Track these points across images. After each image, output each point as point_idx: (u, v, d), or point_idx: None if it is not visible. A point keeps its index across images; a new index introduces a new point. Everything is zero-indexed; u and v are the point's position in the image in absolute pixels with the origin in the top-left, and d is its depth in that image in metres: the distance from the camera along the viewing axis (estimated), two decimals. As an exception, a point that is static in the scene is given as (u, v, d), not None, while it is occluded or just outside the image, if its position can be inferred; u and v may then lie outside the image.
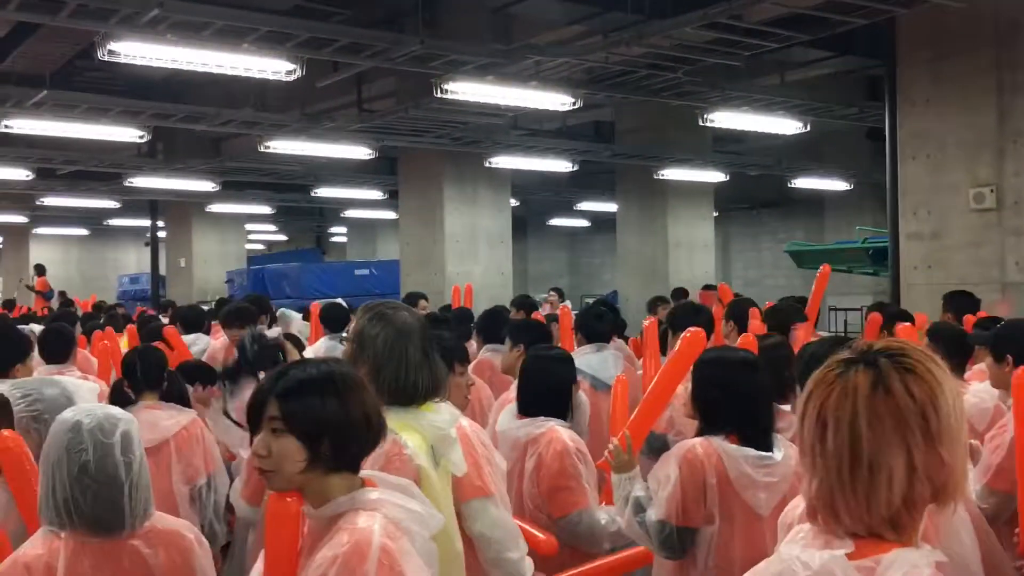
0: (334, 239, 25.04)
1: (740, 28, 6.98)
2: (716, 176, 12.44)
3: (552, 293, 10.72)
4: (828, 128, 11.67)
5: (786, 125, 9.76)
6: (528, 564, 2.44)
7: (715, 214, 13.46)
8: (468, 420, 2.80)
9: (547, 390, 3.25)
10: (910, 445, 1.21)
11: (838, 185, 14.19)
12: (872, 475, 1.21)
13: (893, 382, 1.23)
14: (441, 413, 2.33)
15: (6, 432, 2.25)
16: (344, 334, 5.98)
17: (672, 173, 11.76)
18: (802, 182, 14.07)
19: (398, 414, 2.20)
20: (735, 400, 2.68)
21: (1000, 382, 3.21)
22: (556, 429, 3.14)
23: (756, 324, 4.42)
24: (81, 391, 2.41)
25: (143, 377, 3.51)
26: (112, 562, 1.98)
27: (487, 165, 11.51)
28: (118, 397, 3.28)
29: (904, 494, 1.21)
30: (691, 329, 3.14)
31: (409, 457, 2.09)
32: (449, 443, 2.30)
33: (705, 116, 9.05)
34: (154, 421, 3.35)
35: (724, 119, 9.20)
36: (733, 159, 12.97)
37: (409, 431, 2.19)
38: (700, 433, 2.72)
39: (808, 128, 9.81)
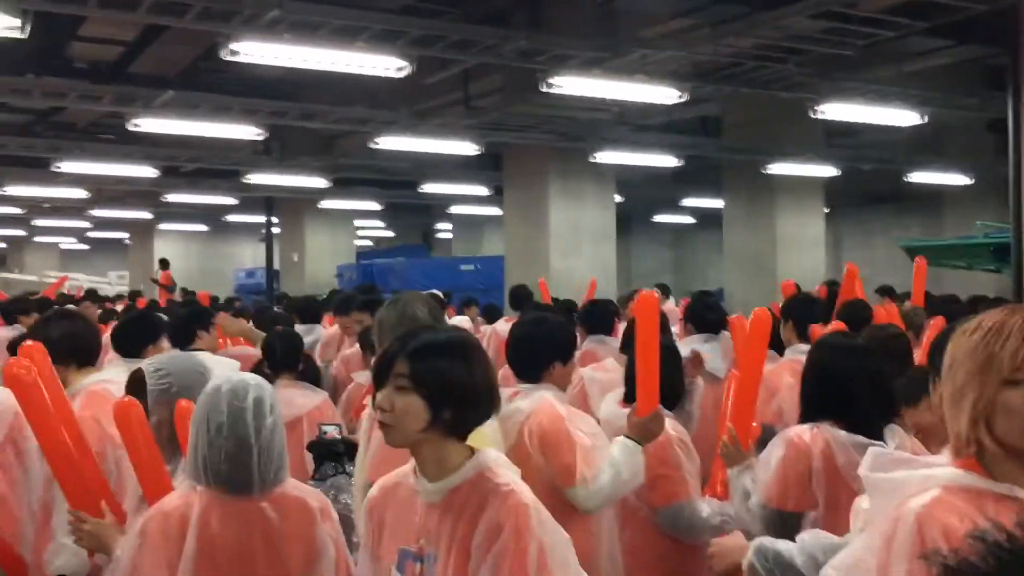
0: (440, 235, 25.44)
1: (854, 16, 6.82)
2: (827, 171, 12.12)
3: (656, 290, 10.65)
4: (947, 120, 11.23)
5: (902, 117, 9.44)
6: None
7: (826, 210, 13.11)
8: (566, 406, 2.90)
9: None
10: None
11: (957, 179, 13.61)
12: None
13: None
14: None
15: (126, 398, 2.42)
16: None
17: (780, 167, 11.52)
18: (919, 176, 13.56)
19: None
20: (836, 386, 2.65)
21: None
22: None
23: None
24: (220, 366, 2.56)
25: (282, 358, 3.82)
26: (238, 520, 2.11)
27: (592, 160, 11.52)
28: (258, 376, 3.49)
29: None
30: (754, 312, 3.15)
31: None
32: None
33: (816, 108, 8.84)
34: (290, 399, 3.63)
35: (836, 111, 8.96)
36: (845, 153, 12.62)
37: None
38: (802, 420, 2.70)
39: (926, 120, 9.46)
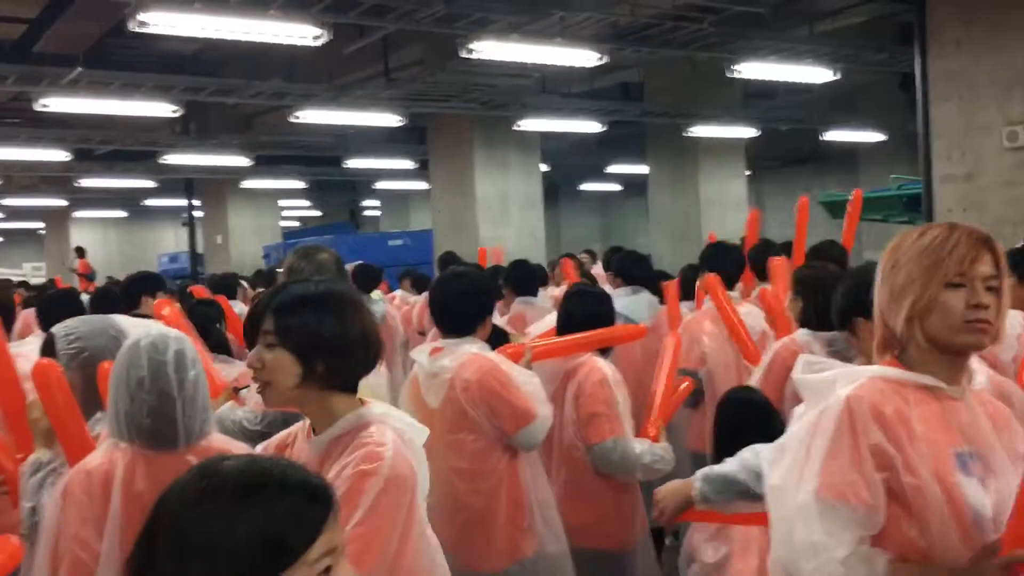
0: (367, 212, 25.20)
1: (765, -26, 6.92)
2: (747, 132, 12.34)
3: (585, 255, 10.75)
4: (860, 79, 11.51)
5: (816, 74, 9.64)
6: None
7: (748, 172, 13.35)
8: (495, 354, 2.94)
9: (587, 325, 3.31)
10: None
11: (872, 137, 14.00)
12: None
13: None
14: None
15: (44, 360, 2.37)
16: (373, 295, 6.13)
17: (702, 130, 11.69)
18: (835, 135, 13.90)
19: None
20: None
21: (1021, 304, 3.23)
22: (595, 359, 3.22)
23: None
24: (136, 327, 2.50)
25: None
26: (164, 473, 2.06)
27: (516, 129, 11.52)
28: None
29: None
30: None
31: None
32: None
33: (733, 68, 8.97)
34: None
35: (752, 70, 9.11)
36: (764, 113, 12.85)
37: None
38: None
39: (839, 77, 9.68)
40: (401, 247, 15.40)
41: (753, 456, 2.14)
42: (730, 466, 2.19)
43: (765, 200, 19.78)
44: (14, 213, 21.31)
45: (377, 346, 1.83)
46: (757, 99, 13.35)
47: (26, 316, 5.36)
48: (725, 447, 2.36)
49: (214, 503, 0.99)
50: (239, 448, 2.23)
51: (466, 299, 3.02)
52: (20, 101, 11.38)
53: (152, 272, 5.64)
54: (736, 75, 9.11)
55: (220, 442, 2.20)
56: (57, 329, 2.56)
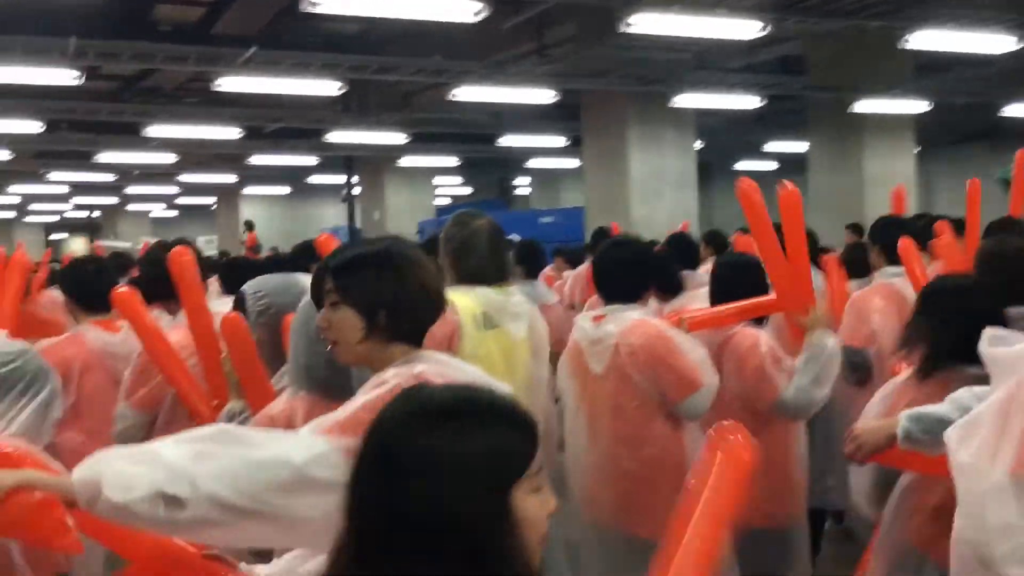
0: (518, 191, 25.43)
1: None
2: (917, 106, 11.69)
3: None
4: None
5: (997, 43, 9.01)
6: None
7: (916, 149, 12.67)
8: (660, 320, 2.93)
9: (740, 295, 3.25)
10: None
11: (1057, 112, 13.00)
12: None
13: None
14: (510, 294, 2.81)
15: (231, 314, 2.51)
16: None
17: (868, 105, 11.15)
18: (1015, 110, 12.98)
19: (462, 289, 2.69)
20: None
21: None
22: (746, 328, 3.20)
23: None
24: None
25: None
26: None
27: (671, 106, 11.33)
28: None
29: None
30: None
31: (448, 313, 2.24)
32: (509, 314, 2.75)
33: (904, 38, 8.50)
34: None
35: (926, 40, 8.60)
36: (937, 85, 12.13)
37: (460, 297, 2.65)
38: None
39: (1022, 45, 9.02)
40: (552, 224, 15.47)
41: (969, 396, 1.99)
42: (942, 407, 2.05)
43: (935, 179, 18.71)
44: (189, 189, 22.69)
45: (440, 299, 1.90)
46: (929, 72, 12.62)
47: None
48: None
49: (452, 423, 1.05)
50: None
51: (629, 266, 3.05)
52: (199, 81, 12.10)
53: (309, 243, 5.91)
54: (907, 46, 8.64)
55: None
56: (247, 287, 2.71)
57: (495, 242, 2.93)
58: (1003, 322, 2.20)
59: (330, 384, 2.16)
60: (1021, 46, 9.02)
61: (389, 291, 1.81)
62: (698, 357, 2.84)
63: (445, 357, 1.87)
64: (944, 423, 1.94)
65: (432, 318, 1.89)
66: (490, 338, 2.67)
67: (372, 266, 1.83)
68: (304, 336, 2.18)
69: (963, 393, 2.04)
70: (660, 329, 2.89)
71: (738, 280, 3.28)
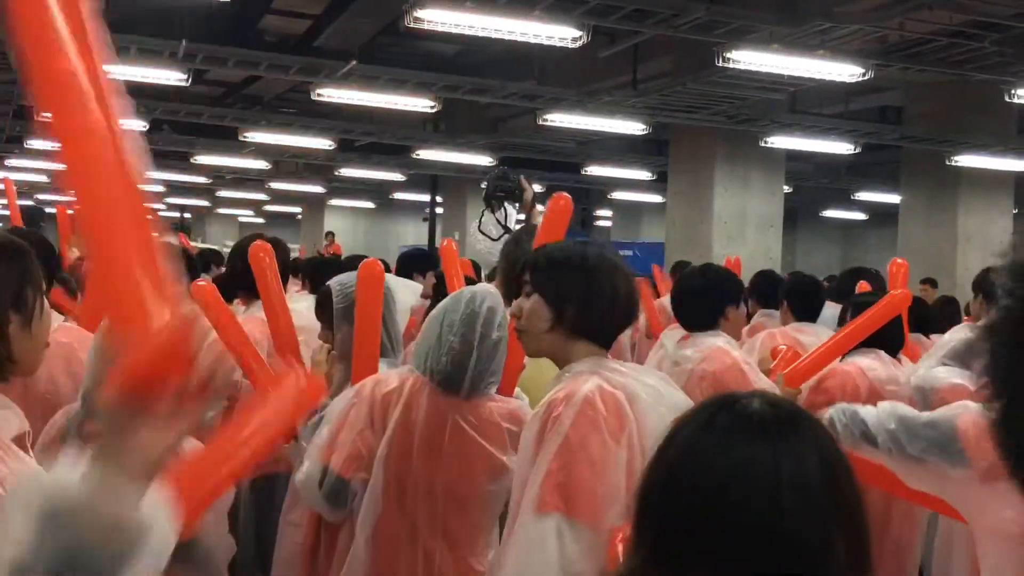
0: (599, 223, 25.41)
1: (1065, -12, 6.33)
2: (1018, 164, 11.34)
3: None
4: None
5: (1112, 104, 8.71)
6: None
7: (1016, 210, 12.27)
8: (741, 352, 2.89)
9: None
10: None
11: None
12: None
13: None
14: None
15: (372, 262, 2.66)
16: None
17: (967, 160, 10.86)
18: (1125, 176, 12.48)
19: None
20: None
21: None
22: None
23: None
24: (402, 287, 2.70)
25: None
26: (439, 412, 2.24)
27: (762, 145, 11.20)
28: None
29: None
30: None
31: None
32: None
33: (1012, 92, 8.27)
34: None
35: (1036, 96, 8.36)
36: (1042, 145, 11.74)
37: None
38: None
39: None
40: (631, 257, 15.42)
41: (891, 410, 1.98)
42: (868, 411, 2.05)
43: (1032, 242, 18.08)
44: (278, 197, 23.26)
45: (631, 305, 1.96)
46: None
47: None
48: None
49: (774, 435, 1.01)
50: (517, 407, 2.31)
51: (707, 293, 3.09)
52: (295, 92, 12.43)
53: (423, 250, 6.12)
54: (1016, 100, 8.40)
55: (503, 402, 2.31)
56: (332, 282, 2.76)
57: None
58: None
59: (446, 375, 2.23)
60: None
61: (578, 288, 1.90)
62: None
63: (625, 367, 1.92)
64: (860, 423, 2.00)
65: (622, 322, 1.98)
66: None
67: (566, 263, 1.93)
68: (439, 322, 2.27)
69: (888, 408, 2.01)
70: (737, 360, 2.86)
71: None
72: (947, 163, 10.94)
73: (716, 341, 2.95)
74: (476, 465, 2.22)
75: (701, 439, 1.00)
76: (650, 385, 1.82)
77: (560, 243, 2.07)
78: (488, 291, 2.32)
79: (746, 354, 3.71)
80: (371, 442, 2.18)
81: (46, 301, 1.49)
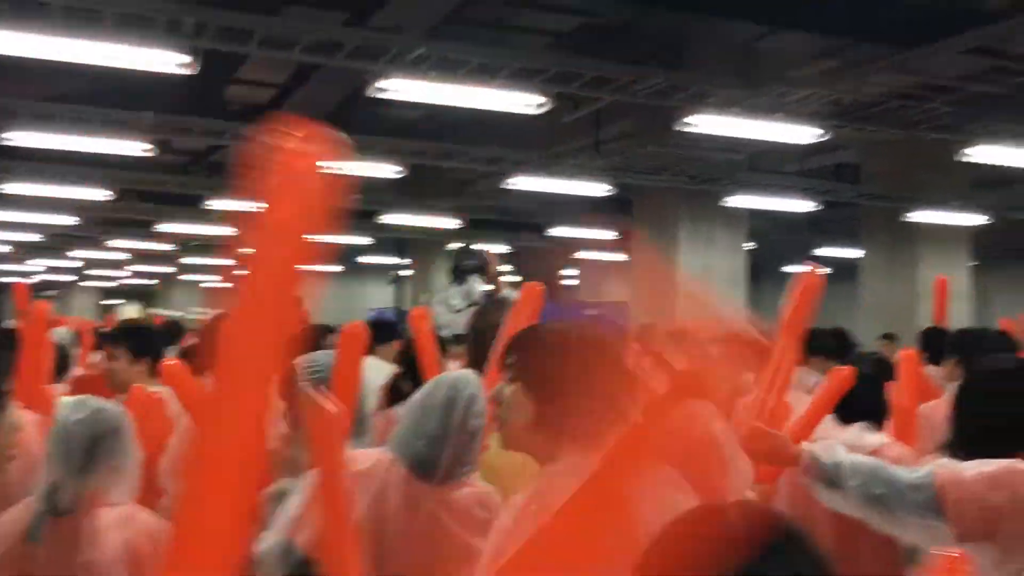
0: (564, 282, 25.53)
1: (1009, 53, 6.56)
2: (975, 219, 11.60)
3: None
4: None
5: (1059, 161, 8.98)
6: None
7: (973, 263, 12.52)
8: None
9: None
10: None
11: (1120, 232, 12.80)
12: None
13: None
14: None
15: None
16: None
17: (924, 215, 11.10)
18: (1076, 228, 12.82)
19: None
20: None
21: None
22: None
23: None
24: (369, 366, 2.67)
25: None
26: (411, 497, 2.20)
27: (723, 205, 11.38)
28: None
29: None
30: None
31: None
32: None
33: (962, 151, 8.50)
34: None
35: (986, 154, 8.60)
36: (995, 200, 12.05)
37: None
38: None
39: (1086, 164, 8.97)
40: (597, 317, 15.49)
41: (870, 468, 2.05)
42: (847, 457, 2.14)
43: (993, 295, 18.41)
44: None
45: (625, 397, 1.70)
46: (987, 185, 12.55)
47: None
48: None
49: None
50: (488, 497, 2.26)
51: None
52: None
53: (387, 319, 6.01)
54: (967, 159, 8.64)
55: (472, 491, 2.25)
56: (300, 360, 2.74)
57: None
58: None
59: (419, 460, 2.18)
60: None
61: (565, 377, 1.62)
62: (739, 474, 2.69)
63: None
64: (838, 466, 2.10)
65: (608, 427, 1.66)
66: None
67: (553, 349, 1.66)
68: (420, 406, 2.23)
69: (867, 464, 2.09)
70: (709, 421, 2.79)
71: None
72: (903, 219, 11.17)
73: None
74: (449, 551, 2.18)
75: None
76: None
77: (555, 323, 1.81)
78: (469, 378, 2.28)
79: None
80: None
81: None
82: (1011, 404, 2.23)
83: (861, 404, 3.05)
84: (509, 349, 1.78)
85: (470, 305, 3.33)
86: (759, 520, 0.91)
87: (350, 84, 9.29)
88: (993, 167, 9.66)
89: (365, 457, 2.24)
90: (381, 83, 6.67)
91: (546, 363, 1.65)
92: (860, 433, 3.00)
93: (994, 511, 1.91)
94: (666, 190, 11.51)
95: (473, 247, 3.62)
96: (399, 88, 6.67)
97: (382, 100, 7.15)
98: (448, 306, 3.43)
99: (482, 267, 3.38)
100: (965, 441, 2.25)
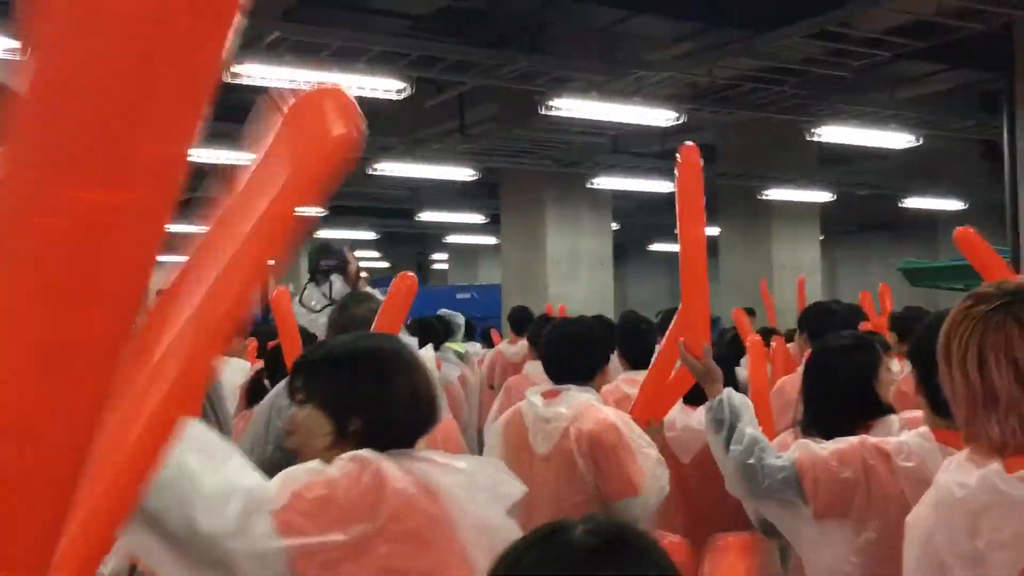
0: (435, 266, 25.47)
1: (850, 37, 6.88)
2: (822, 196, 12.20)
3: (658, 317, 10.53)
4: (940, 147, 11.33)
5: (897, 140, 9.52)
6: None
7: (821, 237, 13.17)
8: (613, 410, 2.86)
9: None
10: None
11: (952, 205, 13.72)
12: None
13: None
14: None
15: None
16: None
17: (777, 193, 11.59)
18: (913, 202, 13.66)
19: None
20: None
21: None
22: None
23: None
24: (226, 365, 2.56)
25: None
26: None
27: (589, 187, 11.57)
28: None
29: None
30: None
31: None
32: None
33: (811, 131, 8.91)
34: None
35: (832, 134, 9.04)
36: (840, 177, 12.70)
37: None
38: None
39: (920, 142, 9.55)
40: (469, 300, 15.48)
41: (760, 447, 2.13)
42: (749, 428, 2.20)
43: (839, 266, 19.44)
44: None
45: (432, 410, 1.64)
46: (833, 163, 13.22)
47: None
48: None
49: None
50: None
51: (583, 346, 2.91)
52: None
53: None
54: (815, 138, 9.05)
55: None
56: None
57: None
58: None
59: (279, 466, 2.08)
60: (919, 143, 9.54)
61: (366, 394, 1.57)
62: (649, 463, 2.67)
63: (435, 456, 1.58)
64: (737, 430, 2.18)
65: (420, 427, 1.62)
66: None
67: (350, 362, 1.60)
68: (268, 410, 2.19)
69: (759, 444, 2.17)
70: (615, 419, 2.72)
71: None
72: (758, 197, 11.63)
73: (588, 396, 2.78)
74: None
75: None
76: (459, 470, 1.53)
77: (343, 338, 1.74)
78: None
79: None
80: None
81: None
82: (853, 380, 2.31)
83: None
84: (298, 369, 1.66)
85: (328, 305, 3.22)
86: (604, 533, 0.90)
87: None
88: (837, 146, 10.16)
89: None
90: (235, 68, 6.43)
91: (345, 374, 1.59)
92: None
93: (846, 487, 2.00)
94: (532, 173, 11.61)
95: (332, 246, 3.51)
96: (255, 73, 6.44)
97: (238, 86, 6.89)
98: (308, 308, 3.31)
99: (342, 266, 3.27)
100: (814, 419, 2.34)
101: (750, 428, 2.19)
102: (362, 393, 1.57)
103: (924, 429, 1.98)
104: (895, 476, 1.93)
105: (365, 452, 1.46)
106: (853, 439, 2.06)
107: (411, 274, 2.90)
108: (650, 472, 2.66)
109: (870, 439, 2.07)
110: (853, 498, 1.98)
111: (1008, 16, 6.54)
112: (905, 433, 2.04)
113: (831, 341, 2.43)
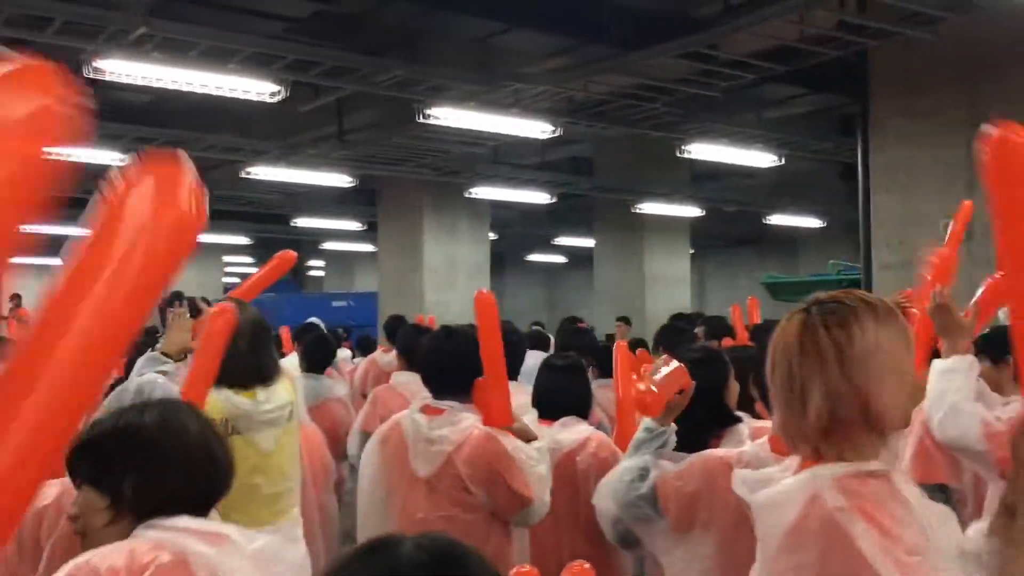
0: (311, 272, 25.00)
1: (718, 59, 7.14)
2: (693, 211, 12.61)
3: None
4: (802, 167, 11.90)
5: (763, 159, 9.94)
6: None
7: (691, 251, 13.60)
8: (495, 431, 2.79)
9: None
10: (827, 375, 1.38)
11: (812, 223, 14.42)
12: (802, 401, 1.39)
13: (816, 324, 1.40)
14: (260, 401, 2.67)
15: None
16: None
17: (649, 207, 11.92)
18: (777, 219, 14.29)
19: (212, 392, 2.47)
20: None
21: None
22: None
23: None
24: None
25: None
26: None
27: (467, 196, 11.60)
28: None
29: (827, 416, 1.37)
30: None
31: None
32: (256, 422, 2.64)
33: (683, 148, 9.20)
34: None
35: (701, 151, 9.36)
36: (710, 194, 13.16)
37: (209, 405, 2.42)
38: None
39: (783, 161, 10.00)
40: (345, 308, 15.30)
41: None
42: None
43: (707, 279, 20.13)
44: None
45: (221, 465, 1.60)
46: (703, 180, 13.68)
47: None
48: None
49: None
50: None
51: (464, 359, 2.76)
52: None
53: None
54: (686, 155, 9.35)
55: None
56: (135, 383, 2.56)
57: (256, 340, 2.71)
58: None
59: None
60: (782, 162, 9.98)
61: (135, 462, 1.53)
62: (537, 474, 2.67)
63: (198, 524, 1.52)
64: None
65: (218, 485, 1.59)
66: (242, 447, 2.52)
67: (114, 437, 1.56)
68: None
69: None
70: (500, 444, 2.67)
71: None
72: (632, 210, 11.93)
73: (470, 418, 2.69)
74: None
75: None
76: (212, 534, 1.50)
77: (110, 414, 1.66)
78: (156, 381, 2.14)
79: None
80: (14, 570, 1.88)
81: None
82: (702, 391, 2.36)
83: (564, 399, 3.13)
84: (72, 452, 1.55)
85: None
86: (434, 550, 0.90)
87: (67, 63, 8.52)
88: (707, 163, 10.53)
89: (48, 488, 1.96)
90: (98, 63, 6.17)
91: (109, 449, 1.55)
92: (560, 428, 3.06)
93: (691, 499, 2.08)
94: (411, 181, 11.56)
95: (182, 294, 3.40)
96: (119, 69, 6.19)
97: (104, 82, 6.61)
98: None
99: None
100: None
101: (644, 452, 2.27)
102: (127, 464, 1.53)
103: (764, 439, 2.08)
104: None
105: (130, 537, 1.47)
106: (702, 453, 2.16)
107: (292, 252, 2.86)
108: (540, 479, 2.68)
109: (716, 452, 2.16)
110: (697, 509, 2.07)
111: (863, 44, 6.92)
112: (749, 444, 2.14)
113: (681, 355, 2.49)
